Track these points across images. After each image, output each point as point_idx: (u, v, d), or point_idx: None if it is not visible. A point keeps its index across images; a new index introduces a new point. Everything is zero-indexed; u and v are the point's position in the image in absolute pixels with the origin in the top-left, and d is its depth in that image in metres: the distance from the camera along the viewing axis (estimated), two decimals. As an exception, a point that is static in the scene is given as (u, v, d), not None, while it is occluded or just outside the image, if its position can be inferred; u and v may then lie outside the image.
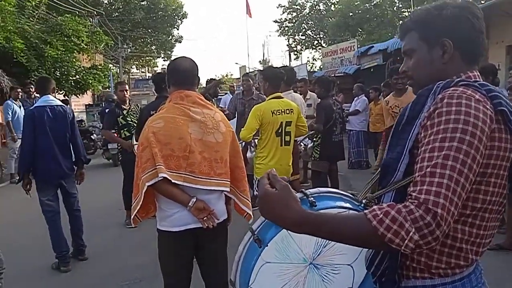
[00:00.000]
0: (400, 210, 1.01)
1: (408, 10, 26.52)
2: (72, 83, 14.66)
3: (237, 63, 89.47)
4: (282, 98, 4.28)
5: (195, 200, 2.38)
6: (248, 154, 4.76)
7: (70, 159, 4.42)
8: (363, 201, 1.36)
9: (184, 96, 2.47)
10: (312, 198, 1.26)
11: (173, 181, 2.32)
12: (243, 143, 4.64)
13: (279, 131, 4.12)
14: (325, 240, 1.30)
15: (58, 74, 13.61)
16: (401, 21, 29.92)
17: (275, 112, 4.09)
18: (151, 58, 37.56)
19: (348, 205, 1.33)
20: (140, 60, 37.70)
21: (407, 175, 1.16)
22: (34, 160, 4.15)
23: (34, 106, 4.33)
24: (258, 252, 1.30)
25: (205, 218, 2.42)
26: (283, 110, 4.13)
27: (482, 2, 10.91)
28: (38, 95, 9.07)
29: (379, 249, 1.20)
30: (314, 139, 5.76)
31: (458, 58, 1.26)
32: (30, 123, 4.14)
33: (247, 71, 32.47)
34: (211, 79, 7.38)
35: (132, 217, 2.52)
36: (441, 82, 1.20)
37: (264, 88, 4.42)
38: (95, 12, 22.88)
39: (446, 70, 1.26)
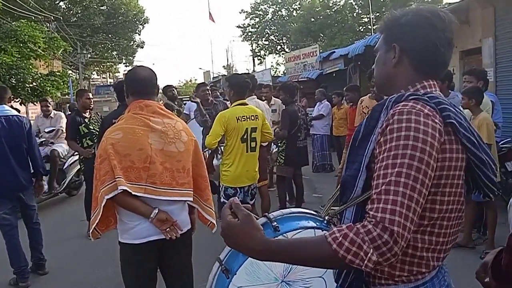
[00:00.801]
0: (358, 231, 1.04)
1: (367, 16, 27.26)
2: (29, 91, 14.20)
3: (201, 68, 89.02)
4: (247, 104, 4.31)
5: (157, 211, 2.34)
6: (215, 162, 4.74)
7: (28, 171, 4.24)
8: (326, 217, 1.39)
9: (144, 106, 2.43)
10: (275, 223, 1.30)
11: (133, 193, 2.28)
12: (209, 151, 4.63)
13: (245, 137, 4.14)
14: None
15: (13, 81, 13.14)
16: (360, 27, 30.91)
17: (240, 118, 4.11)
18: (112, 63, 36.80)
19: (311, 223, 1.37)
20: (101, 66, 36.86)
21: (366, 190, 1.19)
22: None
23: None
24: (227, 282, 1.32)
25: (167, 229, 2.38)
26: (248, 117, 4.16)
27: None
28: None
29: (342, 269, 1.24)
30: (279, 144, 5.82)
31: (407, 65, 1.28)
32: None
33: (211, 76, 32.46)
34: (167, 85, 7.30)
35: (90, 230, 2.45)
36: (393, 96, 1.23)
37: (229, 95, 4.43)
38: (52, 17, 22.21)
39: (397, 75, 1.30)
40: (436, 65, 1.29)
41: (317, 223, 1.38)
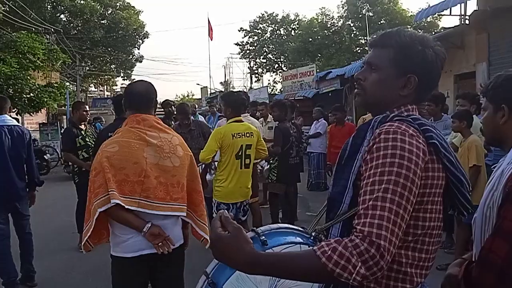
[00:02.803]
0: (346, 245, 1.07)
1: (364, 37, 27.65)
2: (26, 101, 14.21)
3: (198, 84, 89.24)
4: (243, 122, 4.37)
5: (150, 225, 2.34)
6: (208, 177, 4.76)
7: (25, 181, 4.29)
8: (313, 233, 1.42)
9: (141, 120, 2.46)
10: (263, 237, 1.31)
11: (126, 206, 2.28)
12: (203, 165, 4.65)
13: (239, 154, 4.17)
14: None
15: (11, 91, 13.17)
16: (358, 48, 31.29)
17: (235, 135, 4.16)
18: (110, 77, 36.91)
19: (298, 239, 1.39)
20: (99, 79, 36.95)
21: (352, 206, 1.23)
22: None
23: None
24: None
25: (160, 244, 2.38)
26: (243, 133, 4.21)
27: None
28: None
29: (329, 283, 1.26)
30: (271, 161, 5.85)
31: (412, 94, 1.33)
32: None
33: (209, 92, 32.62)
34: (165, 100, 7.31)
35: (83, 243, 2.45)
36: (379, 116, 1.29)
37: (225, 112, 4.49)
38: (52, 29, 22.35)
39: (397, 100, 1.33)
40: (429, 96, 1.36)
41: (304, 239, 1.40)
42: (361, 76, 1.38)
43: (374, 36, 1.41)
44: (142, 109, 2.49)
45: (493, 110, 1.47)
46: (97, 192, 2.30)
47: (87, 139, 5.48)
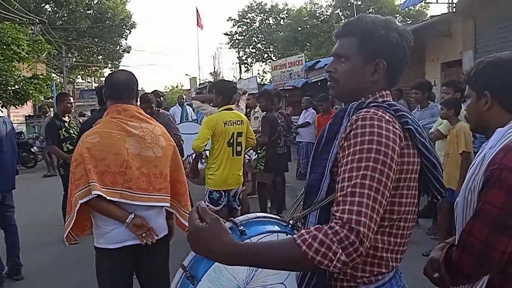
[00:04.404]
0: (326, 232, 1.06)
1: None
2: (11, 93, 14.00)
3: (187, 75, 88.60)
4: (233, 110, 4.44)
5: (133, 216, 2.32)
6: (199, 166, 4.77)
7: (14, 172, 4.34)
8: (290, 221, 1.41)
9: (122, 110, 2.42)
10: (241, 227, 1.30)
11: (107, 197, 2.26)
12: (194, 155, 4.67)
13: (231, 141, 4.23)
14: None
15: (-5, 83, 12.96)
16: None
17: (227, 123, 4.21)
18: (98, 68, 36.51)
19: (276, 227, 1.39)
20: (86, 70, 36.54)
21: (329, 193, 1.22)
22: None
23: None
24: None
25: (143, 235, 2.36)
26: (234, 121, 4.27)
27: (409, 21, 11.57)
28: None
29: (309, 271, 1.25)
30: (259, 151, 5.85)
31: (384, 79, 1.34)
32: None
33: (198, 82, 32.40)
34: (154, 91, 7.23)
35: (65, 235, 2.42)
36: (355, 103, 1.28)
37: (216, 101, 4.53)
38: (37, 20, 21.98)
39: (370, 87, 1.33)
40: (399, 78, 1.37)
41: (282, 228, 1.40)
42: (332, 68, 1.38)
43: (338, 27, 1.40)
44: (123, 99, 2.45)
45: (476, 98, 1.47)
46: (78, 184, 2.27)
47: (71, 131, 5.43)
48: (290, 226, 1.40)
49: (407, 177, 1.22)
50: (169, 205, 2.53)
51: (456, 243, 1.35)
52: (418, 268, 1.40)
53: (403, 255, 1.31)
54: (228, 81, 5.23)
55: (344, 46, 1.35)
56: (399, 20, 29.88)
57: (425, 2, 12.03)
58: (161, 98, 7.03)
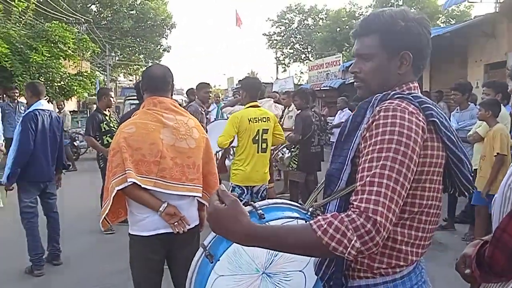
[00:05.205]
0: (342, 220, 1.08)
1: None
2: (57, 89, 14.59)
3: (225, 74, 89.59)
4: (259, 106, 4.43)
5: (166, 205, 2.41)
6: (227, 162, 4.82)
7: (55, 163, 4.55)
8: (310, 209, 1.42)
9: (157, 102, 2.51)
10: (260, 211, 1.32)
11: (142, 185, 2.35)
12: (221, 151, 4.72)
13: (256, 138, 4.23)
14: None
15: (42, 79, 13.52)
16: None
17: (251, 120, 4.22)
18: (139, 66, 37.49)
19: (295, 214, 1.40)
20: (128, 69, 37.60)
21: (349, 183, 1.23)
22: (28, 161, 4.23)
23: (32, 109, 4.39)
24: (210, 267, 1.34)
25: (175, 223, 2.44)
26: (259, 118, 4.26)
27: (452, 22, 11.19)
28: (21, 100, 9.02)
29: (324, 257, 1.27)
30: (292, 149, 5.85)
31: (410, 70, 1.33)
32: (31, 126, 4.24)
33: (235, 82, 32.63)
34: (190, 88, 7.28)
35: (101, 220, 2.53)
36: (379, 95, 1.28)
37: (242, 97, 4.55)
38: (83, 20, 22.83)
39: (398, 80, 1.33)
40: (424, 67, 1.37)
41: (301, 215, 1.41)
42: (357, 69, 1.37)
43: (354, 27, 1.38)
44: (159, 92, 2.55)
45: None
46: (115, 172, 2.37)
47: (111, 125, 5.64)
48: (309, 213, 1.42)
49: (430, 170, 1.22)
50: (200, 196, 2.60)
51: (490, 240, 1.32)
52: (452, 273, 1.37)
53: (425, 251, 1.30)
54: (253, 77, 5.21)
55: (366, 44, 1.34)
56: (442, 21, 29.02)
57: (468, 2, 11.61)
58: (209, 92, 6.68)
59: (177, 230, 2.45)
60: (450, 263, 1.29)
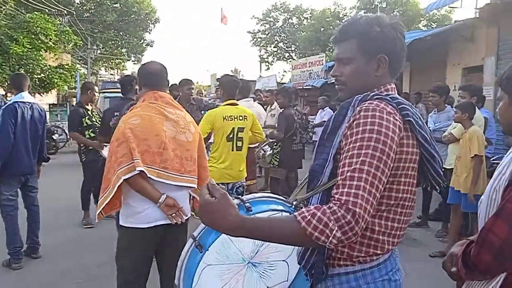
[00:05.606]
0: (325, 211, 1.16)
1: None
2: (37, 82, 14.39)
3: (208, 71, 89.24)
4: (237, 105, 4.38)
5: (165, 196, 2.48)
6: None
7: (36, 156, 4.51)
8: (294, 202, 1.52)
9: (158, 96, 2.61)
10: (248, 204, 1.41)
11: (148, 175, 2.41)
12: None
13: (231, 136, 4.21)
14: None
15: (22, 71, 13.31)
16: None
17: (226, 118, 4.19)
18: (121, 60, 37.08)
19: (280, 207, 1.50)
20: (110, 62, 37.14)
21: (331, 178, 1.32)
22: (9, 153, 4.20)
23: (13, 101, 4.34)
24: (199, 256, 1.42)
25: (173, 215, 2.52)
26: (235, 117, 4.23)
27: (433, 26, 11.43)
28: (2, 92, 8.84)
29: (308, 246, 1.37)
30: (274, 146, 5.94)
31: (387, 72, 1.44)
32: (12, 117, 4.20)
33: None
34: (173, 84, 7.24)
35: (98, 211, 2.54)
36: (359, 95, 1.38)
37: (221, 94, 4.59)
38: (65, 11, 22.46)
39: (376, 81, 1.43)
40: (400, 69, 1.47)
41: (286, 207, 1.50)
42: (338, 73, 1.47)
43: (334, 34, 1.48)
44: (158, 87, 2.65)
45: (508, 100, 1.50)
46: (121, 161, 2.41)
47: (93, 119, 5.62)
48: (293, 206, 1.50)
49: (406, 166, 1.31)
50: (196, 187, 2.68)
51: (476, 239, 1.37)
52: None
53: (400, 240, 1.40)
54: (231, 75, 5.16)
55: (345, 49, 1.43)
56: (423, 24, 29.52)
57: (449, 7, 11.88)
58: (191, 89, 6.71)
59: (175, 221, 2.53)
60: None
